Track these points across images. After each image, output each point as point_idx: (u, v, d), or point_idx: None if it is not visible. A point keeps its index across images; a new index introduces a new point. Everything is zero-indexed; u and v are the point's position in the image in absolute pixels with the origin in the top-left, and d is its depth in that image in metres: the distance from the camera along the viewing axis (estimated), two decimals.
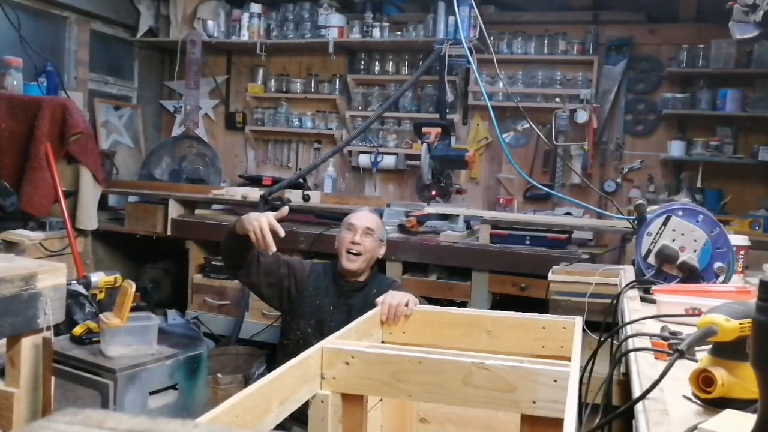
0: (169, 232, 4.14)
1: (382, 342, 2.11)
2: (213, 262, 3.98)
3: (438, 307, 2.27)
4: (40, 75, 4.32)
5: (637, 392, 1.04)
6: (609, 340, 2.31)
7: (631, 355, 1.27)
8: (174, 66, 5.32)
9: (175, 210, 4.17)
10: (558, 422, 1.51)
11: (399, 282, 2.90)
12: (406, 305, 2.12)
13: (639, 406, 0.98)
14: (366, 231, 2.69)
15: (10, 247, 3.26)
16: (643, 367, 1.16)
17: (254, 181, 4.82)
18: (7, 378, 1.72)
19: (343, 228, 2.74)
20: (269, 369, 2.53)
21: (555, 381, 1.53)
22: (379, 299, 2.16)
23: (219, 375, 3.28)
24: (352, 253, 2.66)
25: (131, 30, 5.30)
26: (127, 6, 5.22)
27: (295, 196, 4.23)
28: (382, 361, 1.61)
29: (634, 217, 2.16)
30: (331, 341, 1.70)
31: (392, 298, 2.12)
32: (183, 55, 5.06)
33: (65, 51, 4.82)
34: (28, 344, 1.72)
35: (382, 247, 2.79)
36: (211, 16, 5.18)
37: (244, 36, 5.08)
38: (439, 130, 4.00)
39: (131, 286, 2.18)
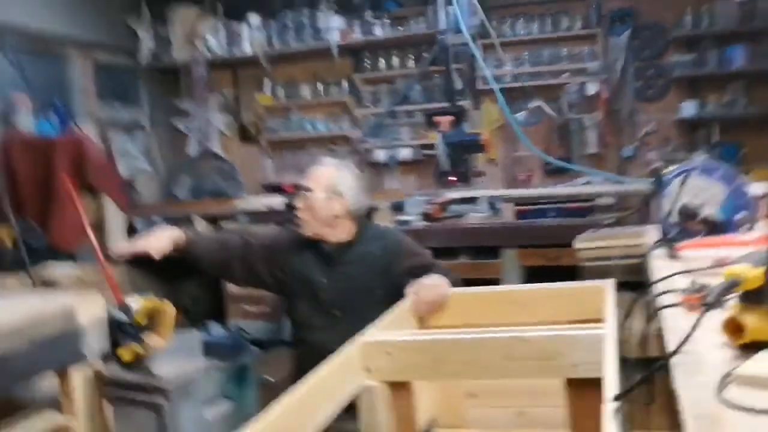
0: None
1: (420, 327, 2.14)
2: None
3: (470, 288, 2.29)
4: (49, 111, 4.39)
5: (672, 346, 1.06)
6: (642, 298, 2.33)
7: (664, 311, 1.29)
8: (180, 86, 5.39)
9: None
10: (599, 382, 1.54)
11: (402, 235, 2.45)
12: (437, 296, 2.10)
13: (675, 359, 1.01)
14: (305, 189, 2.30)
15: (48, 282, 3.32)
16: (676, 322, 1.18)
17: (275, 189, 4.88)
18: (64, 410, 1.77)
19: None
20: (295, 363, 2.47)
21: (592, 343, 1.56)
22: (411, 290, 2.14)
23: (271, 379, 3.33)
24: (296, 218, 2.33)
25: (133, 55, 5.37)
26: (126, 32, 5.29)
27: None
28: (422, 348, 1.64)
29: (652, 180, 2.17)
30: (371, 333, 1.73)
31: (426, 293, 2.10)
32: (188, 74, 5.13)
33: (71, 84, 4.89)
34: (78, 376, 1.78)
35: (336, 201, 2.28)
36: (211, 32, 5.23)
37: (247, 48, 5.13)
38: (450, 117, 4.02)
39: (169, 306, 2.23)
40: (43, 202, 3.57)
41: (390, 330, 1.86)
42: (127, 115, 5.44)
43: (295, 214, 2.34)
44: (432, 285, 2.13)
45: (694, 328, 1.01)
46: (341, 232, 2.32)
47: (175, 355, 2.28)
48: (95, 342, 1.79)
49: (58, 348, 1.69)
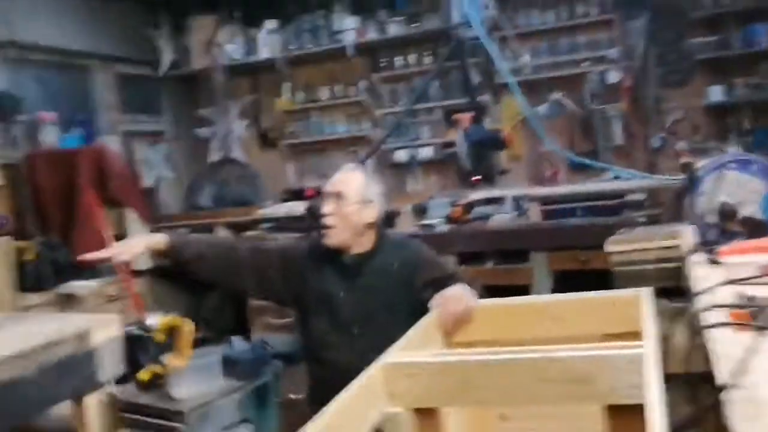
0: None
1: (446, 343, 2.05)
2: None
3: (497, 300, 2.18)
4: (74, 126, 4.40)
5: (723, 375, 0.96)
6: (683, 309, 2.20)
7: (711, 330, 1.18)
8: (201, 94, 5.35)
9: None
10: (642, 408, 1.43)
11: (421, 246, 2.31)
12: (464, 308, 2.00)
13: (729, 394, 0.90)
14: (335, 196, 2.16)
15: (70, 299, 3.32)
16: (726, 346, 1.07)
17: (297, 194, 4.82)
18: None
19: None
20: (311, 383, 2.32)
21: (632, 364, 1.45)
22: (434, 303, 2.04)
23: (292, 396, 3.27)
24: (325, 226, 2.17)
25: (154, 66, 5.37)
26: (146, 43, 5.28)
27: None
28: (448, 369, 1.55)
29: (683, 177, 2.05)
30: (393, 354, 1.64)
31: (450, 304, 2.00)
32: (208, 82, 5.10)
33: (94, 98, 4.89)
34: (92, 402, 1.72)
35: (368, 208, 2.17)
36: (229, 39, 5.19)
37: (264, 54, 5.08)
38: (470, 114, 3.92)
39: (188, 326, 2.17)
40: (66, 217, 3.56)
41: (414, 349, 1.76)
42: (150, 125, 5.43)
43: (321, 221, 2.18)
44: (457, 297, 2.01)
45: (748, 355, 0.90)
46: (366, 242, 2.20)
47: (194, 376, 2.22)
48: (110, 365, 1.72)
49: (72, 373, 1.63)
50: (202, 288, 4.65)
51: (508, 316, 2.09)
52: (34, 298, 3.13)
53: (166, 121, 5.60)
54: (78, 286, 3.35)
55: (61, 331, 1.64)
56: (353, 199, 2.15)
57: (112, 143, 4.59)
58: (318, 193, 4.46)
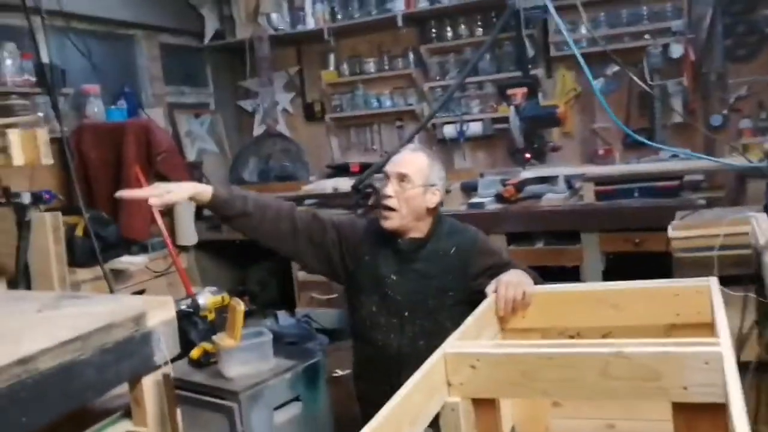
0: None
1: (501, 331, 1.99)
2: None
3: (555, 286, 2.12)
4: (119, 98, 4.40)
5: None
6: (751, 295, 2.11)
7: None
8: (245, 65, 5.31)
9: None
10: (716, 407, 1.36)
11: (477, 233, 2.23)
12: (523, 296, 1.94)
13: None
14: (399, 177, 2.10)
15: (118, 274, 3.34)
16: None
17: (341, 169, 4.77)
18: (135, 418, 1.72)
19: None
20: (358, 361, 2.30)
21: (706, 363, 1.38)
22: (490, 289, 1.98)
23: (338, 371, 3.26)
24: (386, 208, 2.11)
25: (198, 36, 5.33)
26: (190, 13, 5.24)
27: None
28: (510, 361, 1.50)
29: (762, 161, 1.93)
30: (452, 344, 1.60)
31: (507, 289, 1.93)
32: (252, 52, 5.05)
33: (139, 69, 4.89)
34: (149, 383, 1.72)
35: (429, 193, 2.12)
36: (274, 8, 5.12)
37: (310, 24, 5.00)
38: (524, 90, 3.80)
39: (239, 305, 2.16)
40: (113, 192, 3.57)
41: (472, 338, 1.72)
42: (193, 97, 5.42)
43: (381, 202, 2.13)
44: (515, 282, 1.96)
45: None
46: (423, 227, 2.16)
47: (246, 355, 2.22)
48: (166, 346, 1.72)
49: (129, 355, 1.63)
50: (248, 261, 4.68)
51: (566, 303, 2.02)
52: (83, 273, 3.16)
53: (210, 93, 5.58)
54: (126, 261, 3.38)
55: (118, 314, 1.63)
56: (417, 182, 2.10)
57: (156, 116, 4.59)
58: (363, 168, 4.41)
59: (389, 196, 2.10)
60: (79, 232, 3.15)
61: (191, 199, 2.06)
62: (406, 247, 2.14)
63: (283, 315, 4.03)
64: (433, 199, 2.13)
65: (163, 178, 3.75)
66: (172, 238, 3.74)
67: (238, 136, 5.64)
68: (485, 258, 2.13)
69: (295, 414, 2.28)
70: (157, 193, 1.99)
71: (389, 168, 2.15)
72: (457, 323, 1.72)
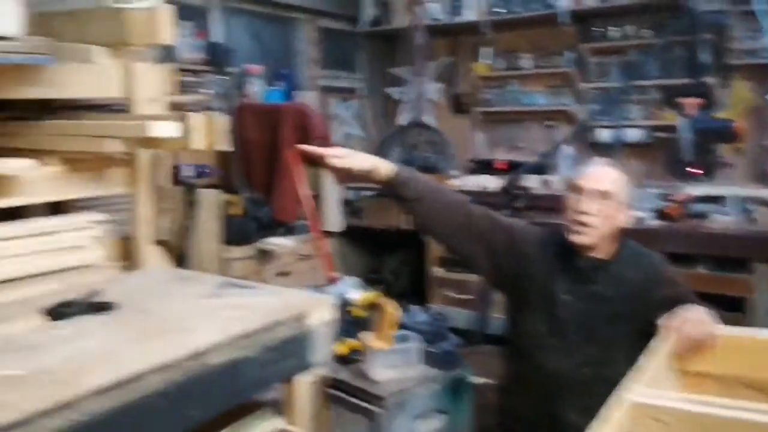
0: (402, 226, 4.10)
1: (679, 374, 1.81)
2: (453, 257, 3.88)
3: (743, 329, 1.89)
4: (277, 79, 4.49)
5: None
6: None
7: None
8: (398, 53, 5.27)
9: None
10: None
11: (663, 260, 2.06)
12: (704, 334, 1.74)
13: None
14: (600, 195, 1.94)
15: (265, 255, 3.40)
16: None
17: (485, 165, 4.64)
18: (288, 418, 1.70)
19: (570, 189, 2.02)
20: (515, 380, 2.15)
21: None
22: (668, 323, 1.80)
23: (477, 380, 3.16)
24: (580, 224, 1.95)
25: (354, 22, 5.36)
26: None
27: (533, 181, 3.96)
28: (706, 422, 1.33)
29: None
30: (636, 391, 1.44)
31: (691, 328, 1.75)
32: (407, 41, 5.00)
33: (297, 52, 4.98)
34: (303, 382, 1.69)
35: (623, 211, 1.97)
36: None
37: (469, 15, 4.87)
38: (698, 100, 3.50)
39: (394, 309, 2.09)
40: (268, 173, 3.65)
41: (652, 383, 1.55)
42: (344, 81, 5.46)
43: (575, 217, 1.95)
44: (697, 320, 1.76)
45: None
46: (609, 248, 1.99)
47: (393, 360, 2.16)
48: (323, 347, 1.68)
49: (289, 354, 1.60)
50: (383, 250, 4.67)
51: (755, 350, 1.80)
52: (235, 251, 3.23)
53: (360, 79, 5.60)
54: (274, 242, 3.43)
55: (283, 311, 1.61)
56: (618, 200, 1.94)
57: (310, 99, 4.65)
58: (510, 167, 4.26)
59: (589, 214, 1.93)
60: (235, 210, 3.22)
61: (369, 172, 1.99)
62: (587, 267, 1.97)
63: (416, 309, 3.96)
64: (625, 218, 1.97)
65: (316, 163, 3.77)
66: (319, 222, 3.76)
67: (383, 122, 5.63)
68: (668, 288, 1.94)
69: (437, 428, 2.20)
70: (339, 154, 1.94)
71: (586, 183, 1.97)
72: (628, 355, 1.58)
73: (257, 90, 4.20)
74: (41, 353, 1.29)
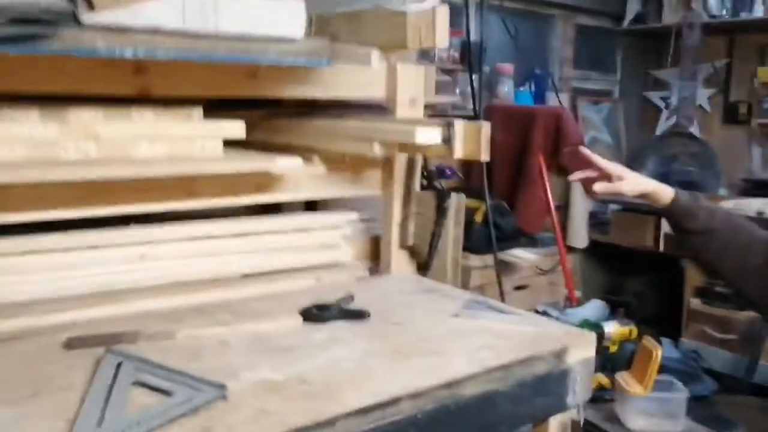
0: (661, 248, 3.70)
1: None
2: (716, 288, 3.41)
3: None
4: (527, 80, 4.31)
5: None
6: None
7: None
8: (662, 53, 4.80)
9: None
10: None
11: None
12: None
13: None
14: None
15: (505, 266, 3.25)
16: None
17: (762, 186, 4.04)
18: None
19: None
20: None
21: None
22: None
23: None
24: None
25: (615, 19, 4.99)
26: None
27: None
28: None
29: None
30: None
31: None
32: (677, 40, 4.52)
33: (550, 51, 4.75)
34: (555, 424, 1.52)
35: None
36: None
37: (758, 12, 4.26)
38: None
39: (656, 350, 1.83)
40: (512, 180, 3.50)
41: None
42: (598, 83, 5.11)
43: None
44: None
45: None
46: None
47: (651, 407, 1.89)
48: (581, 388, 1.50)
49: (543, 392, 1.45)
50: (626, 269, 4.28)
51: None
52: (474, 260, 3.13)
53: (615, 81, 5.21)
54: (517, 254, 3.27)
55: (540, 344, 1.45)
56: None
57: (561, 101, 4.40)
58: None
59: None
60: (477, 217, 3.11)
61: (644, 196, 1.75)
62: None
63: (667, 344, 3.57)
64: None
65: (566, 172, 3.55)
66: (563, 236, 3.53)
67: (637, 130, 5.18)
68: None
69: None
70: (616, 173, 1.71)
71: None
72: None
73: (507, 90, 4.06)
74: (297, 358, 1.27)
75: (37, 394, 1.02)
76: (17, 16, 1.03)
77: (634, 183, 1.72)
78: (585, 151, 1.82)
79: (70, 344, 1.21)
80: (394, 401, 1.14)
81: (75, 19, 1.14)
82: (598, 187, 1.71)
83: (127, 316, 1.43)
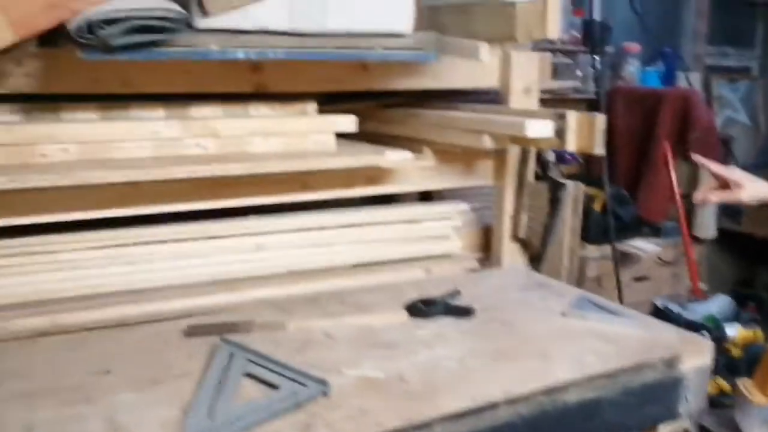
0: None
1: None
2: None
3: None
4: (656, 59, 4.07)
5: None
6: None
7: None
8: None
9: None
10: None
11: None
12: None
13: None
14: None
15: (625, 257, 3.11)
16: None
17: None
18: None
19: None
20: None
21: None
22: None
23: None
24: None
25: None
26: None
27: None
28: None
29: None
30: None
31: None
32: None
33: (682, 27, 4.45)
34: None
35: None
36: None
37: None
38: None
39: None
40: (634, 167, 3.33)
41: None
42: (734, 59, 4.74)
43: None
44: None
45: None
46: None
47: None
48: (694, 397, 1.43)
49: (653, 400, 1.40)
50: (759, 260, 3.99)
51: None
52: (592, 250, 3.02)
53: (755, 57, 4.81)
54: (637, 245, 3.12)
55: (650, 351, 1.40)
56: None
57: (693, 80, 4.13)
58: None
59: None
60: (596, 206, 3.00)
61: (766, 204, 1.64)
62: None
63: None
64: None
65: (691, 160, 3.34)
66: (689, 226, 3.32)
67: None
68: None
69: None
70: (733, 180, 1.61)
71: None
72: None
73: (633, 71, 3.85)
74: (399, 355, 1.29)
75: (156, 382, 1.11)
76: (137, 26, 1.10)
77: (752, 191, 1.61)
78: (698, 158, 1.72)
79: (190, 332, 1.29)
80: (492, 406, 1.14)
81: (189, 25, 1.21)
82: (714, 196, 1.61)
83: (242, 304, 1.51)
